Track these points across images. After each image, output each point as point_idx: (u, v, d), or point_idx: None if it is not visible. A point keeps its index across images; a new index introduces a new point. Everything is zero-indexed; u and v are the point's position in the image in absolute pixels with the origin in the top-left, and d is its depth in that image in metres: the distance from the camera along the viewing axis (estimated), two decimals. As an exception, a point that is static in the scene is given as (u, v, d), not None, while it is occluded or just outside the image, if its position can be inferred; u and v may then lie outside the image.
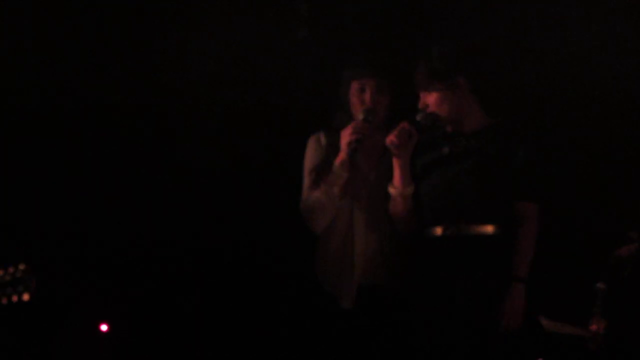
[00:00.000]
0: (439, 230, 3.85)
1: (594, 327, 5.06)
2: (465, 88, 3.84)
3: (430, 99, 3.84)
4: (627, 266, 5.31)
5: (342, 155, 4.05)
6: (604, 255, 5.41)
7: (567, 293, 5.23)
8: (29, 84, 5.45)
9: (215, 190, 5.97)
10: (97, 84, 5.60)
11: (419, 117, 3.87)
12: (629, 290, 5.23)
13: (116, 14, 5.50)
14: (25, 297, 3.36)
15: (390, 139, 3.85)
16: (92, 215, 5.82)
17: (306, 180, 4.20)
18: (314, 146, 4.23)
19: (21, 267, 3.33)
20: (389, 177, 3.95)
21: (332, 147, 4.13)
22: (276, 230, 5.93)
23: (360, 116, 4.03)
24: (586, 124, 5.53)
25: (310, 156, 4.23)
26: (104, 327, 5.94)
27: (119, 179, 5.85)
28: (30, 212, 5.71)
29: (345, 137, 4.01)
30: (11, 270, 3.32)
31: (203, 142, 5.90)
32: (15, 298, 3.36)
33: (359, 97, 4.06)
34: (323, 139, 4.21)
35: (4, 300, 3.37)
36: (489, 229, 3.80)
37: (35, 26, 5.45)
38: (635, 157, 5.50)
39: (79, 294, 5.73)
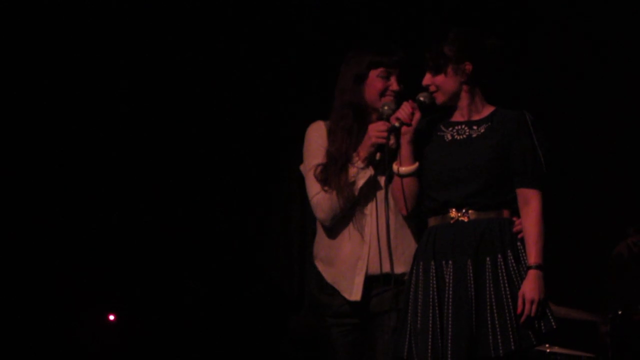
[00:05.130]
0: (444, 218, 3.86)
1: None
2: (470, 75, 3.87)
3: (436, 79, 3.88)
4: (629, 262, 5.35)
5: (364, 153, 4.00)
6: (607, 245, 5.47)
7: (574, 278, 5.28)
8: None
9: (219, 185, 5.99)
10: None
11: (422, 97, 3.91)
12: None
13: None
14: None
15: (396, 115, 3.89)
16: (102, 212, 5.86)
17: (310, 174, 4.05)
18: (317, 134, 4.09)
19: None
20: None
21: (336, 138, 4.03)
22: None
23: (383, 110, 3.98)
24: (587, 118, 5.59)
25: (314, 146, 4.07)
26: (111, 317, 6.04)
27: (125, 176, 5.89)
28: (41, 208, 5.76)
29: (373, 138, 3.97)
30: None
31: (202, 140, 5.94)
32: None
33: (384, 83, 4.05)
34: (324, 128, 4.09)
35: None
36: (494, 214, 3.83)
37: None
38: (634, 151, 5.55)
39: (88, 286, 5.79)
